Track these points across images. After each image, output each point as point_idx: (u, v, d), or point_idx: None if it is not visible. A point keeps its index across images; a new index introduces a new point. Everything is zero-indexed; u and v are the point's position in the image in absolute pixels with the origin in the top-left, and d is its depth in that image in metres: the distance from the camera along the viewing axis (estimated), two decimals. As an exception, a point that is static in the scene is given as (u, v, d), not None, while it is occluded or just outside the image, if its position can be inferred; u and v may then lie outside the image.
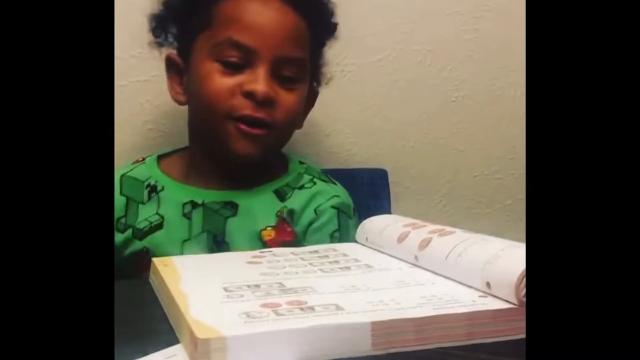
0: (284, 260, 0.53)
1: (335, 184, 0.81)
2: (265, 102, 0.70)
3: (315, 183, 0.79)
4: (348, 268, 0.50)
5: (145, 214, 0.75)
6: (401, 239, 0.53)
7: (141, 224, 0.75)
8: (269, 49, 0.71)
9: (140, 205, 0.76)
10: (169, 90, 0.78)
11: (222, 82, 0.71)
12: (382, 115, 1.02)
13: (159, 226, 0.75)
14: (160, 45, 0.79)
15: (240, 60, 0.71)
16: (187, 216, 0.74)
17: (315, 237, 0.75)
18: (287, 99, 0.73)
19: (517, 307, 0.38)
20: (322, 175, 0.82)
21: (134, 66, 0.89)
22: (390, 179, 0.99)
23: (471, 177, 1.07)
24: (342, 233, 0.76)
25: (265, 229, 0.75)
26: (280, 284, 0.44)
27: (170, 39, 0.79)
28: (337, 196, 0.78)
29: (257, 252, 0.57)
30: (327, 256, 0.55)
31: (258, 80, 0.70)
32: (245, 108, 0.70)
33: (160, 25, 0.78)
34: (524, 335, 0.38)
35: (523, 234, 0.35)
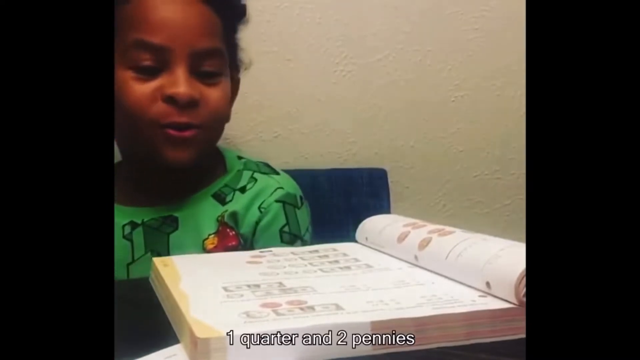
0: (283, 259, 0.53)
1: (277, 173, 0.77)
2: (189, 104, 0.66)
3: (256, 180, 0.75)
4: (348, 268, 0.50)
5: None
6: (401, 238, 0.53)
7: None
8: (183, 45, 0.66)
9: None
10: None
11: (139, 89, 0.66)
12: (382, 115, 1.03)
13: None
14: None
15: (155, 63, 0.66)
16: (128, 238, 0.72)
17: (265, 236, 0.73)
18: (212, 95, 0.69)
19: (517, 307, 0.38)
20: (262, 166, 0.78)
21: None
22: (390, 178, 0.99)
23: (471, 177, 1.07)
24: (292, 226, 0.73)
25: (207, 238, 0.72)
26: (280, 283, 0.44)
27: None
28: (281, 188, 0.74)
29: (257, 252, 0.57)
30: (327, 256, 0.55)
31: (178, 82, 0.66)
32: (169, 114, 0.66)
33: None
34: (524, 335, 0.38)
35: (523, 234, 0.35)
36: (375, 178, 0.97)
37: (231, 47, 0.76)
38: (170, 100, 0.66)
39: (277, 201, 0.74)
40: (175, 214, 0.73)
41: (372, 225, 0.60)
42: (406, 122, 1.03)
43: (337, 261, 0.53)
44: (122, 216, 0.73)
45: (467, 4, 1.03)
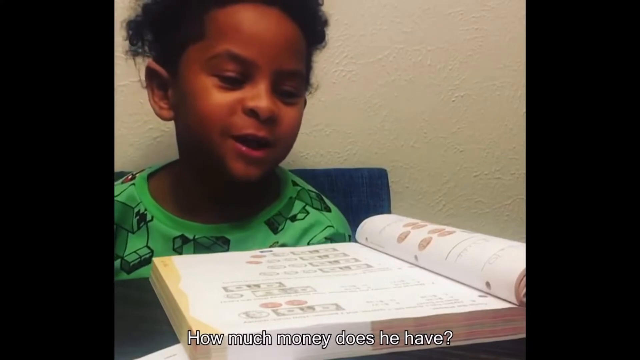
0: (283, 260, 0.53)
1: (329, 210, 0.76)
2: (269, 120, 0.66)
3: (308, 212, 0.75)
4: (348, 268, 0.50)
5: (135, 246, 0.72)
6: (401, 238, 0.53)
7: (130, 256, 0.72)
8: (269, 62, 0.66)
9: (129, 235, 0.73)
10: (152, 104, 0.73)
11: (220, 97, 0.66)
12: (382, 115, 1.02)
13: (149, 260, 0.71)
14: (136, 53, 0.74)
15: (240, 75, 0.66)
16: (178, 251, 0.71)
17: None
18: (288, 114, 0.69)
19: (517, 307, 0.38)
20: (315, 200, 0.77)
21: (134, 66, 0.89)
22: (390, 178, 0.99)
23: (471, 177, 1.07)
24: None
25: None
26: (280, 283, 0.44)
27: (147, 48, 0.74)
28: (331, 226, 0.74)
29: (257, 252, 0.57)
30: (327, 256, 0.55)
31: (261, 97, 0.65)
32: (248, 127, 0.66)
33: (137, 33, 0.74)
34: (524, 335, 0.38)
35: (523, 234, 0.35)
36: (375, 178, 0.97)
37: (308, 69, 0.75)
38: (252, 113, 0.65)
39: (326, 238, 0.73)
40: (228, 236, 0.72)
41: (372, 225, 0.60)
42: (406, 122, 1.03)
43: (337, 261, 0.53)
44: (174, 227, 0.72)
45: (467, 4, 1.03)
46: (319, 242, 0.72)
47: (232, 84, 0.66)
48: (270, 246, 0.71)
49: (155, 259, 0.54)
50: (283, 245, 0.71)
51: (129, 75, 0.89)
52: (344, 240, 0.73)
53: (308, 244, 0.72)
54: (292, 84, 0.69)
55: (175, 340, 0.38)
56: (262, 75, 0.66)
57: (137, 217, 0.73)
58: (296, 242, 0.72)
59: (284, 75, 0.68)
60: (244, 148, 0.66)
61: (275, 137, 0.68)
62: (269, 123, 0.66)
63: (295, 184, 0.78)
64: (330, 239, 0.72)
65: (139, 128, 0.92)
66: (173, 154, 0.77)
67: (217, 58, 0.66)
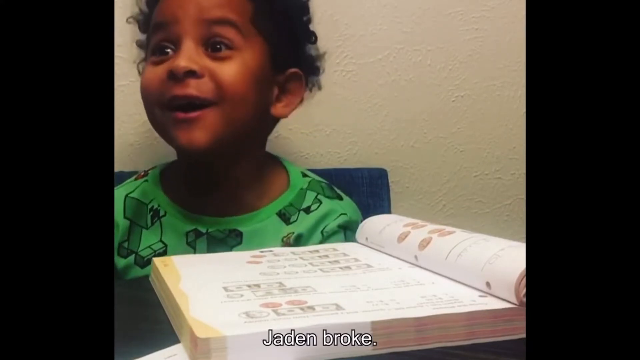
0: (284, 259, 0.53)
1: (341, 198, 0.77)
2: (187, 75, 0.65)
3: (320, 202, 0.74)
4: (348, 268, 0.50)
5: (149, 241, 0.73)
6: (401, 238, 0.53)
7: (144, 251, 0.73)
8: (189, 16, 0.66)
9: (143, 231, 0.74)
10: None
11: (152, 71, 0.68)
12: (382, 115, 1.02)
13: (163, 255, 0.72)
14: None
15: (168, 42, 0.68)
16: (192, 245, 0.72)
17: None
18: (221, 68, 0.66)
19: (517, 307, 0.38)
20: (327, 189, 0.77)
21: (134, 66, 0.89)
22: (390, 178, 0.99)
23: (471, 177, 1.07)
24: None
25: None
26: (280, 283, 0.44)
27: None
28: (345, 214, 0.74)
29: (257, 252, 0.57)
30: (327, 256, 0.55)
31: (177, 57, 0.65)
32: (171, 89, 0.65)
33: None
34: (524, 335, 0.38)
35: (523, 234, 0.35)
36: (375, 178, 0.97)
37: (278, 39, 0.72)
38: (171, 75, 0.65)
39: (339, 226, 0.73)
40: (240, 229, 0.72)
41: (373, 225, 0.60)
42: (406, 122, 1.03)
43: (337, 261, 0.53)
44: (187, 221, 0.73)
45: (467, 4, 1.03)
46: (332, 230, 0.72)
47: (163, 55, 0.68)
48: (286, 237, 0.72)
49: (155, 259, 0.54)
50: (299, 235, 0.72)
51: (129, 75, 0.90)
52: (356, 228, 0.73)
53: (322, 232, 0.73)
54: (222, 34, 0.67)
55: (175, 340, 0.38)
56: (185, 35, 0.67)
57: (151, 213, 0.74)
58: (311, 232, 0.72)
59: (211, 24, 0.67)
60: (178, 113, 0.66)
61: (209, 94, 0.66)
62: (190, 78, 0.65)
63: (304, 175, 0.78)
64: (344, 227, 0.73)
65: (139, 128, 0.92)
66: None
67: (151, 35, 0.70)
